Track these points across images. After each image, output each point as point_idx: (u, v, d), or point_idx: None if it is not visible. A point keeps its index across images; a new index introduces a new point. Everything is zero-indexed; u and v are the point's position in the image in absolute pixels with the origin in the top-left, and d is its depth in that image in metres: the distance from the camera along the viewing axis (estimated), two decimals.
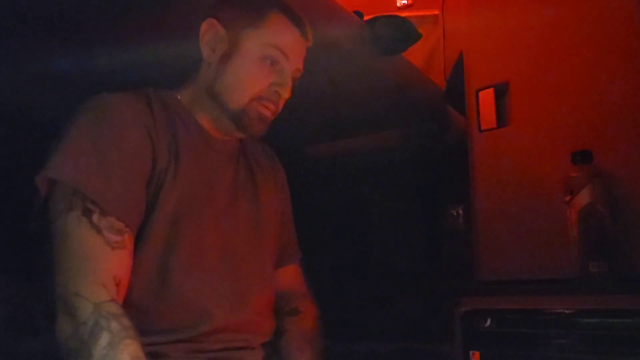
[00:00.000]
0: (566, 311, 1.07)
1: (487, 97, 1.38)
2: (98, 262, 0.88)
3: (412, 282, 1.80)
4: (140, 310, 0.94)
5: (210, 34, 1.05)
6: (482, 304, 1.17)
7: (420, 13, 1.93)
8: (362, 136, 1.90)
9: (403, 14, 1.62)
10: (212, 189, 1.06)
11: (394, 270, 1.85)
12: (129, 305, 0.92)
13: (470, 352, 1.14)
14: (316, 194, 1.89)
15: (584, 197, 1.15)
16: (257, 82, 1.04)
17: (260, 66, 1.04)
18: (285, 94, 1.06)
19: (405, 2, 2.01)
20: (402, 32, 1.39)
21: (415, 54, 1.63)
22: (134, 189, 0.94)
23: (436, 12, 1.90)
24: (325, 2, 1.23)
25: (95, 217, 0.89)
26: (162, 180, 0.98)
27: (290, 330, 1.14)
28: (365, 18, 1.39)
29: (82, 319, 0.83)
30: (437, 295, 1.68)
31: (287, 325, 1.15)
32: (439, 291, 1.67)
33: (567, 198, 1.17)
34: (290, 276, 1.25)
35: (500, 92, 1.36)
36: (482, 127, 1.38)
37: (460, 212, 1.75)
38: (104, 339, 0.81)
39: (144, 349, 0.85)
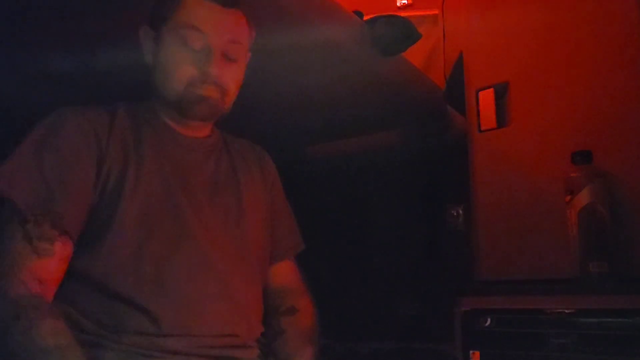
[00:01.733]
0: (566, 311, 1.07)
1: (487, 97, 1.38)
2: (23, 267, 0.91)
3: (412, 282, 1.80)
4: (126, 310, 0.95)
5: (144, 41, 1.07)
6: (482, 304, 1.17)
7: (420, 13, 1.93)
8: (362, 136, 1.90)
9: (403, 14, 1.62)
10: (188, 186, 1.06)
11: (394, 270, 1.85)
12: (113, 306, 0.95)
13: (470, 352, 1.14)
14: (316, 194, 1.89)
15: (584, 197, 1.15)
16: (183, 68, 1.02)
17: (181, 51, 1.02)
18: (214, 70, 1.02)
19: (405, 2, 2.01)
20: (402, 32, 1.38)
21: (415, 54, 1.63)
22: (74, 194, 0.97)
23: (436, 12, 1.89)
24: (325, 2, 1.23)
25: (29, 226, 0.93)
26: (121, 181, 1.00)
27: (287, 331, 1.14)
28: (365, 18, 1.39)
29: (1, 317, 0.87)
30: (437, 295, 1.68)
31: (284, 326, 1.15)
32: (439, 291, 1.67)
33: (567, 198, 1.17)
34: (285, 272, 1.24)
35: (500, 92, 1.36)
36: (482, 127, 1.38)
37: (460, 212, 1.75)
38: (22, 325, 0.85)
39: (69, 324, 0.89)
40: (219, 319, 1.02)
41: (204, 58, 1.02)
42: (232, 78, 1.06)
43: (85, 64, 1.21)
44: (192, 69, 1.02)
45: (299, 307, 1.18)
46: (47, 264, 0.93)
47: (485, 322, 1.14)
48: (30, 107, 1.30)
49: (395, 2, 2.02)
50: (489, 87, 1.38)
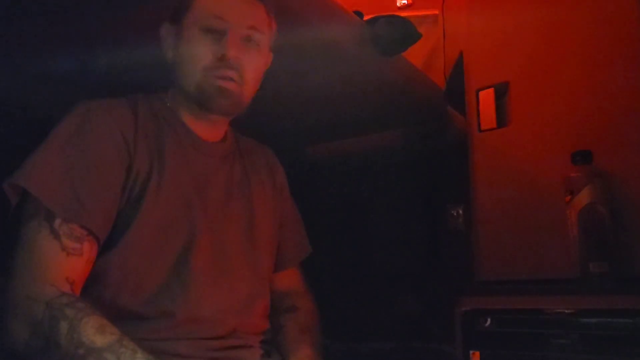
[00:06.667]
0: (566, 311, 1.07)
1: (487, 97, 1.38)
2: (51, 266, 0.89)
3: (412, 282, 1.80)
4: (133, 314, 0.94)
5: (166, 38, 1.07)
6: (482, 304, 1.17)
7: (420, 13, 1.93)
8: (362, 136, 1.90)
9: (403, 14, 1.62)
10: (203, 192, 1.06)
11: (394, 270, 1.85)
12: (120, 310, 0.93)
13: (470, 352, 1.14)
14: (316, 194, 1.89)
15: (584, 197, 1.15)
16: (202, 54, 1.02)
17: (201, 39, 1.02)
18: (230, 51, 1.01)
19: (405, 2, 2.01)
20: (402, 32, 1.38)
21: (415, 54, 1.63)
22: (101, 197, 0.95)
23: (436, 12, 1.90)
24: (325, 2, 1.23)
25: (56, 223, 0.90)
26: (144, 186, 0.98)
27: (287, 325, 1.14)
28: (365, 18, 1.39)
29: (37, 319, 0.84)
30: (437, 295, 1.68)
31: (284, 322, 1.15)
32: (439, 291, 1.67)
33: (567, 198, 1.17)
34: (290, 278, 1.25)
35: (500, 92, 1.36)
36: (482, 127, 1.38)
37: (460, 212, 1.75)
38: (64, 327, 0.83)
39: (110, 320, 0.86)
40: (223, 323, 1.02)
41: (224, 45, 1.01)
42: (250, 64, 1.05)
43: (85, 64, 1.21)
44: (210, 53, 1.01)
45: (299, 306, 1.19)
46: (75, 263, 0.91)
47: (485, 322, 1.14)
48: (30, 107, 1.30)
49: (395, 2, 2.02)
50: (489, 87, 1.38)
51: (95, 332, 0.83)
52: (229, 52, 1.01)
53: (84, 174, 0.94)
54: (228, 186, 1.11)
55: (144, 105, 1.05)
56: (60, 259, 0.89)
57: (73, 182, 0.93)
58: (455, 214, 1.77)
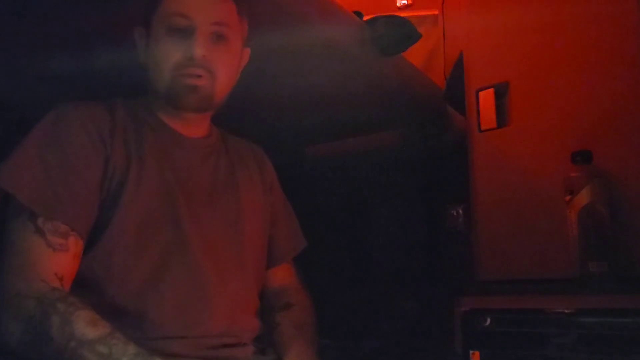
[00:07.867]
0: (566, 311, 1.07)
1: (487, 97, 1.38)
2: (39, 262, 0.90)
3: (412, 282, 1.80)
4: (124, 313, 0.94)
5: (139, 41, 1.07)
6: (482, 303, 1.17)
7: (420, 13, 1.94)
8: (362, 136, 1.90)
9: (403, 14, 1.62)
10: (186, 186, 1.06)
11: (394, 270, 1.85)
12: (111, 309, 0.93)
13: (470, 352, 1.14)
14: (316, 194, 1.89)
15: (584, 197, 1.15)
16: (170, 54, 1.02)
17: (168, 40, 1.02)
18: (198, 50, 1.00)
19: (405, 2, 2.01)
20: (402, 32, 1.39)
21: (415, 54, 1.63)
22: (80, 193, 0.95)
23: (436, 12, 1.90)
24: (325, 2, 1.23)
25: (40, 221, 0.92)
26: (123, 180, 0.99)
27: (282, 323, 1.14)
28: (365, 18, 1.39)
29: (28, 315, 0.86)
30: (437, 295, 1.68)
31: (279, 320, 1.15)
32: (439, 291, 1.67)
33: (567, 198, 1.17)
34: (283, 274, 1.24)
35: (500, 92, 1.36)
36: (482, 127, 1.38)
37: (460, 212, 1.75)
38: (55, 321, 0.84)
39: (101, 316, 0.87)
40: (215, 321, 1.02)
41: (190, 44, 1.01)
42: (220, 61, 1.04)
43: (85, 64, 1.21)
44: (177, 52, 1.01)
45: (294, 302, 1.19)
46: (63, 259, 0.92)
47: (485, 322, 1.14)
48: (30, 107, 1.30)
49: (395, 2, 2.02)
50: (489, 87, 1.38)
51: (86, 325, 0.84)
52: (197, 51, 1.01)
53: (61, 171, 0.95)
54: (213, 181, 1.11)
55: (121, 107, 1.07)
56: (47, 255, 0.91)
57: (51, 180, 0.94)
58: (455, 214, 1.77)
